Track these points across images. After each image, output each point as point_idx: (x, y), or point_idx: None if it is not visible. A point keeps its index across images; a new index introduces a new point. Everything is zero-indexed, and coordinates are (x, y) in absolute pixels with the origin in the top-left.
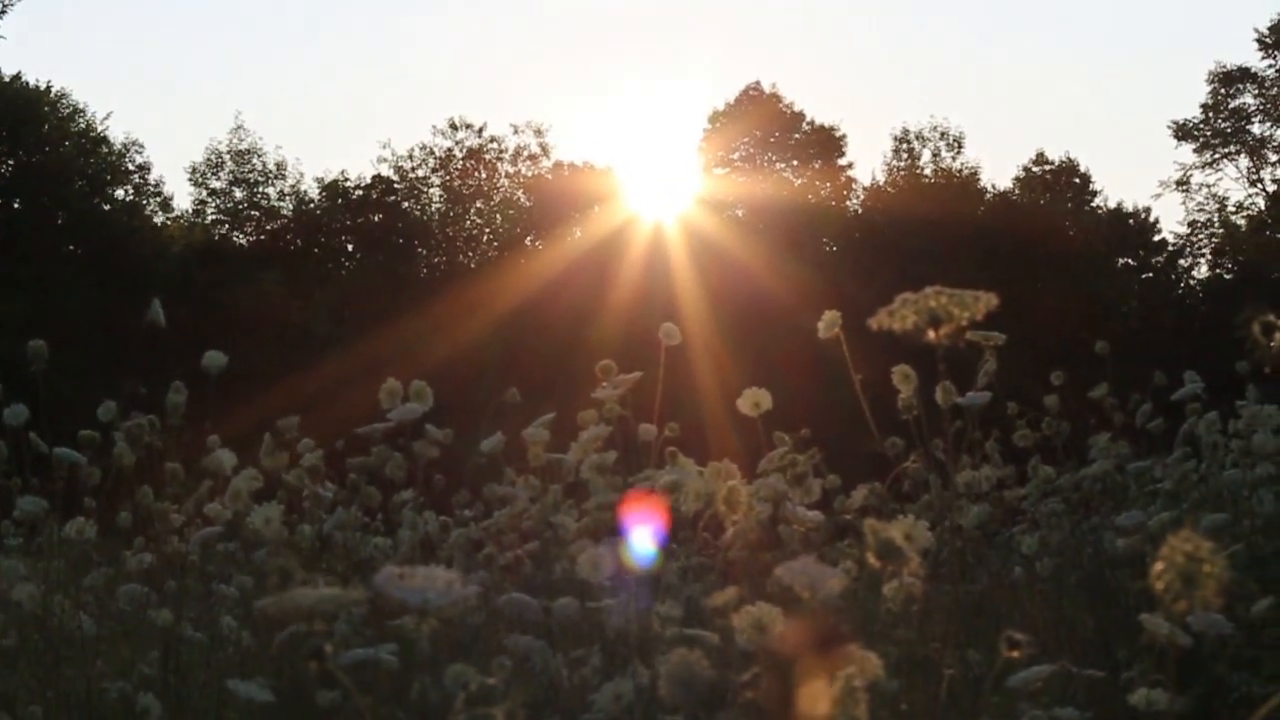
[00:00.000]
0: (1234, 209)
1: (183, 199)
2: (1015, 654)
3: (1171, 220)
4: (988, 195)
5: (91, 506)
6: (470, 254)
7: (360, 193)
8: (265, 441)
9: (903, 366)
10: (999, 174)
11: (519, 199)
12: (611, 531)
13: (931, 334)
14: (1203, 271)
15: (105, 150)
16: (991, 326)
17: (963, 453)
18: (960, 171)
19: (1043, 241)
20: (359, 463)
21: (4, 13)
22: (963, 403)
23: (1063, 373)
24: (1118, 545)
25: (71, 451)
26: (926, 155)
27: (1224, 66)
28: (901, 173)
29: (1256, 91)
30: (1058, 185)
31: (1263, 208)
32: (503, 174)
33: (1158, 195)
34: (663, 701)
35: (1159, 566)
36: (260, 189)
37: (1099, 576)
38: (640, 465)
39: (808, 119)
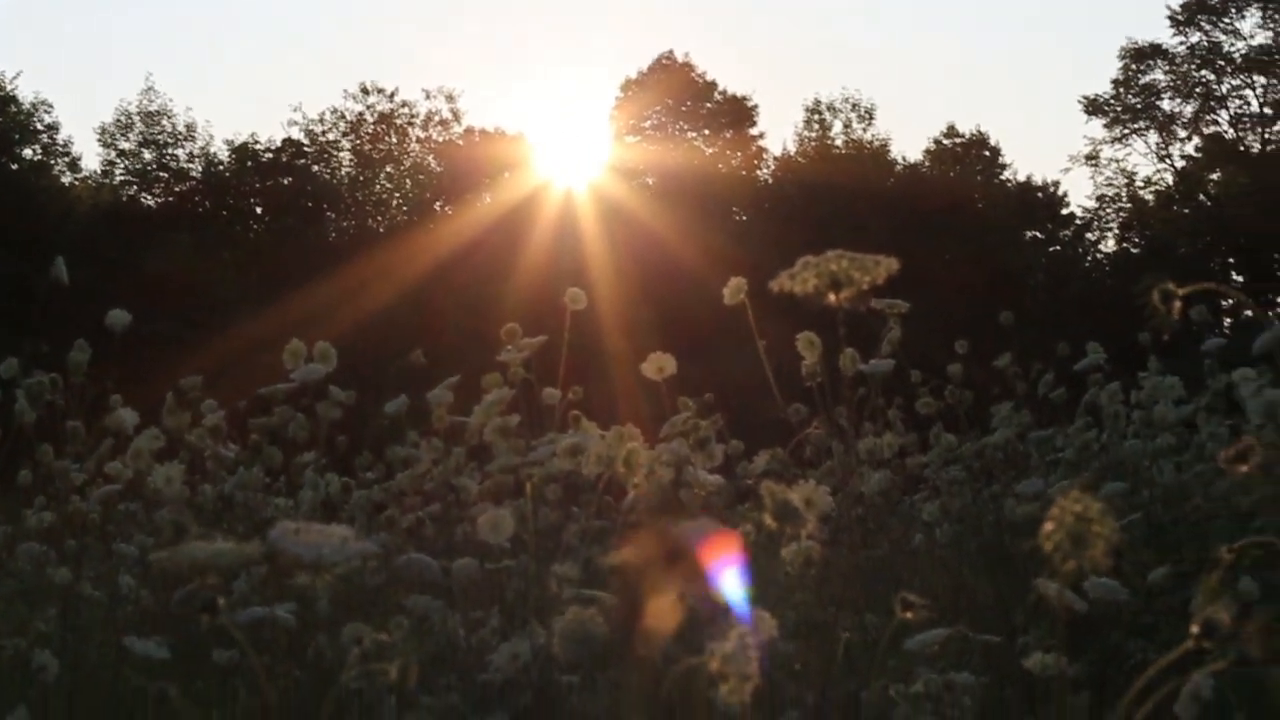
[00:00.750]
0: (1142, 184)
1: (91, 160)
2: (909, 615)
3: (1080, 194)
4: (898, 167)
5: None
6: (380, 219)
7: (270, 156)
8: (167, 400)
9: (807, 334)
10: (910, 146)
11: (430, 164)
12: (513, 495)
13: (832, 297)
14: (1110, 246)
15: (13, 109)
16: (900, 296)
17: (866, 420)
18: (871, 143)
19: (952, 213)
20: (261, 423)
21: None
22: (866, 370)
23: (969, 342)
24: (1017, 513)
25: None
26: (838, 126)
27: (1135, 42)
28: (813, 143)
29: (1167, 68)
30: (968, 158)
31: (1170, 183)
32: (414, 139)
33: (1067, 169)
34: (558, 659)
35: (1049, 526)
36: (169, 150)
37: (998, 544)
38: (544, 429)
39: (720, 88)
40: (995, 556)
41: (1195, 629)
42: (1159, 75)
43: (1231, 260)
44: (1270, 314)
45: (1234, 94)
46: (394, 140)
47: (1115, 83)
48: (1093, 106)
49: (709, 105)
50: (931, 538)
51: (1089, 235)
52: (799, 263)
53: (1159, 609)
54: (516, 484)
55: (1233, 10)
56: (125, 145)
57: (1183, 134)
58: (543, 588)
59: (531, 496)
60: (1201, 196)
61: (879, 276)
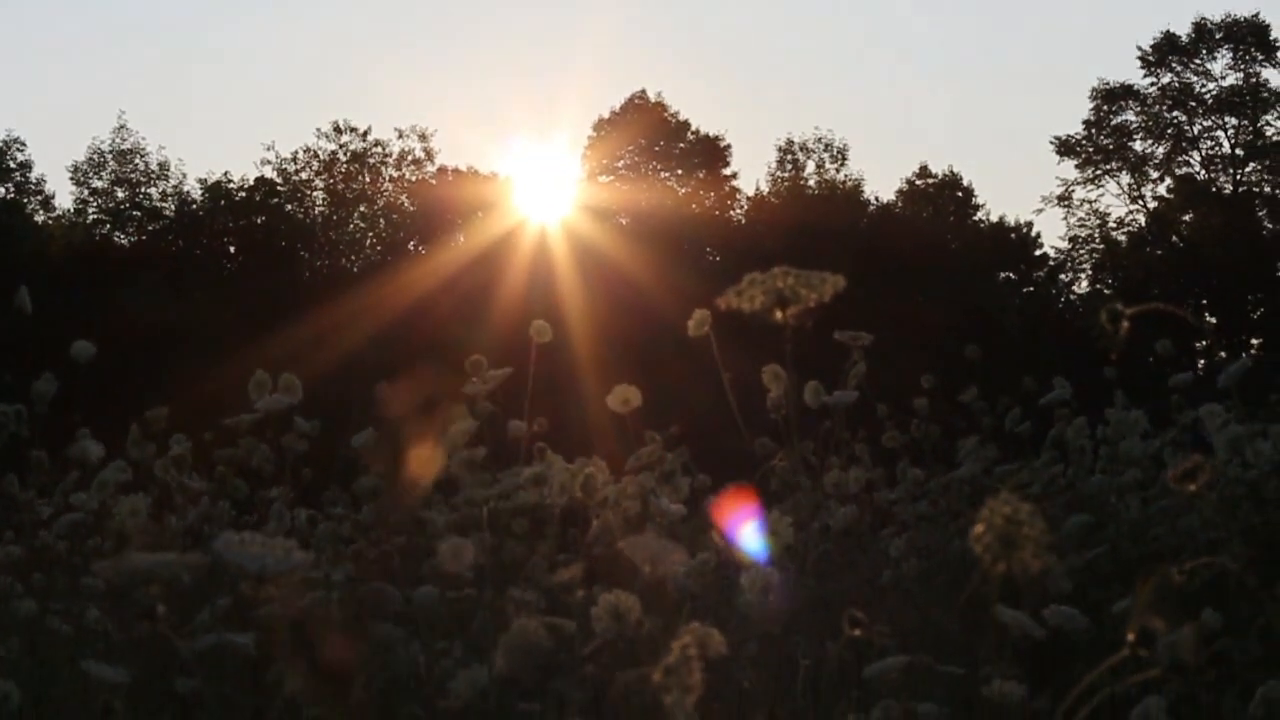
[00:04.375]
0: (1115, 225)
1: (64, 198)
2: (858, 633)
3: (1053, 235)
4: (871, 207)
5: None
6: (353, 258)
7: (243, 194)
8: (132, 432)
9: (773, 366)
10: (882, 186)
11: (403, 203)
12: (478, 526)
13: (779, 314)
14: (1083, 287)
15: None
16: (874, 335)
17: (831, 453)
18: (844, 183)
19: (925, 254)
20: (227, 454)
21: None
22: (829, 401)
23: (942, 381)
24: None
25: None
26: (811, 166)
27: (1107, 83)
28: (785, 183)
29: (1139, 109)
30: (940, 198)
31: (1143, 224)
32: (387, 178)
33: (1039, 210)
34: (502, 672)
35: (978, 529)
36: (143, 189)
37: (964, 578)
38: (510, 461)
39: (692, 128)
40: (961, 590)
41: (1131, 637)
42: (1130, 116)
43: (1205, 301)
44: (1244, 353)
45: (1206, 135)
46: (367, 179)
47: (1087, 123)
48: (1064, 147)
49: (682, 145)
50: (899, 572)
51: (1062, 276)
52: (745, 279)
53: (1122, 640)
54: (487, 517)
55: (1204, 51)
56: (98, 184)
57: (1155, 175)
58: (500, 615)
59: (492, 526)
60: (1174, 238)
61: (825, 294)
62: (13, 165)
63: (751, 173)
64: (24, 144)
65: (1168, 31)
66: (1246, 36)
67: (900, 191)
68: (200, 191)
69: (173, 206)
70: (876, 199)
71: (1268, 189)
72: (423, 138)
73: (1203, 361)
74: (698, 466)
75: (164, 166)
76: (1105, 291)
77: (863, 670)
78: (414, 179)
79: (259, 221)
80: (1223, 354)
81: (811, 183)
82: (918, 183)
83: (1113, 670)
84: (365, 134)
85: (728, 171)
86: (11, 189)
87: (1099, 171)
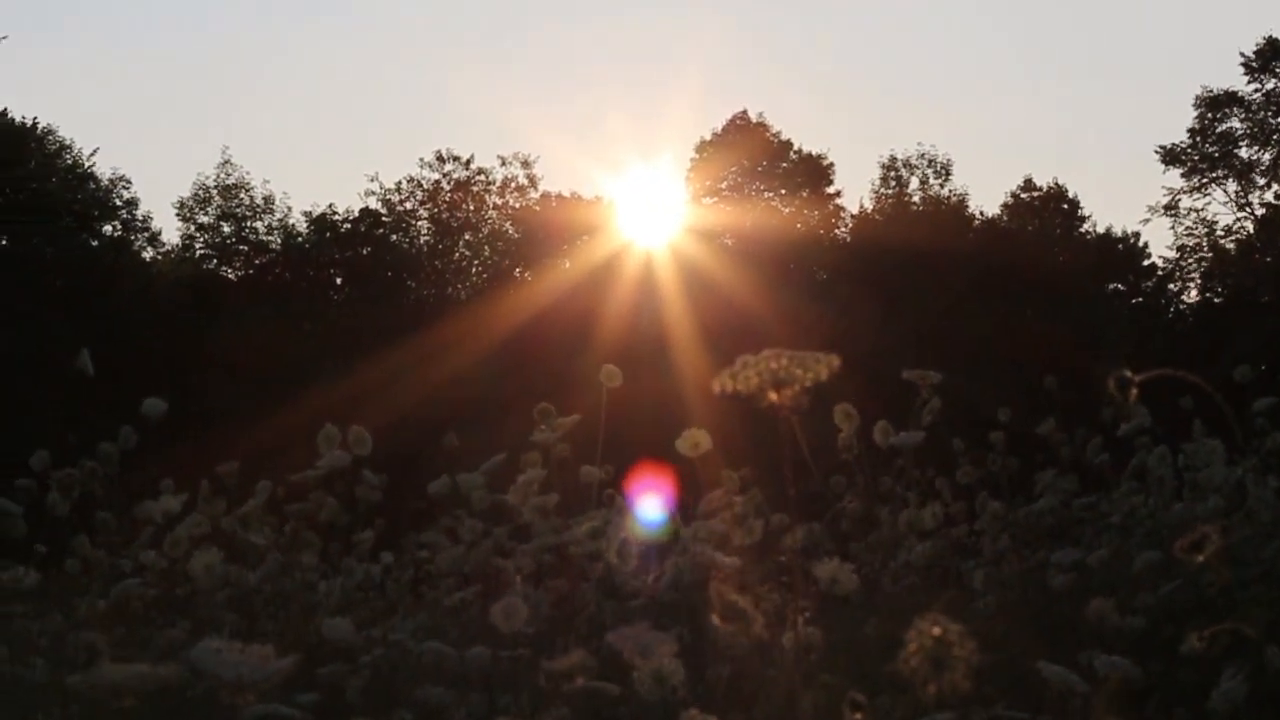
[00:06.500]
0: (1223, 233)
1: (171, 234)
2: (859, 717)
3: (1160, 245)
4: (976, 222)
5: (41, 552)
6: (459, 286)
7: (348, 226)
8: (203, 488)
9: (844, 405)
10: (987, 201)
11: (507, 230)
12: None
13: (774, 395)
14: (1193, 296)
15: (92, 186)
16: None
17: (907, 490)
18: (948, 198)
19: (1031, 267)
20: (298, 509)
21: None
22: (895, 442)
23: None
24: (1054, 583)
25: (6, 501)
26: (915, 183)
27: (1210, 91)
28: (890, 200)
29: (1243, 115)
30: (1046, 211)
31: (1251, 231)
32: (490, 205)
33: (1146, 220)
34: None
35: (911, 648)
36: (248, 223)
37: (1046, 613)
38: (584, 506)
39: (795, 147)
40: (1041, 627)
41: None
42: (1235, 123)
43: None
44: None
45: None
46: (471, 207)
47: (1191, 131)
48: (1170, 156)
49: (785, 164)
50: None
51: (1171, 286)
52: (739, 361)
53: (1190, 680)
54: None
55: None
56: (204, 219)
57: (1261, 181)
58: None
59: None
60: None
61: (821, 374)
62: (119, 203)
63: (855, 191)
64: (130, 182)
65: (1270, 37)
66: None
67: (1005, 205)
68: (305, 224)
69: (278, 239)
70: (982, 213)
71: None
72: (525, 164)
73: None
74: (775, 504)
75: (269, 200)
76: (1215, 300)
77: None
78: (518, 205)
79: (365, 252)
80: None
81: (916, 199)
82: (1023, 196)
83: None
84: (468, 162)
85: (831, 190)
86: (119, 227)
87: (1205, 179)
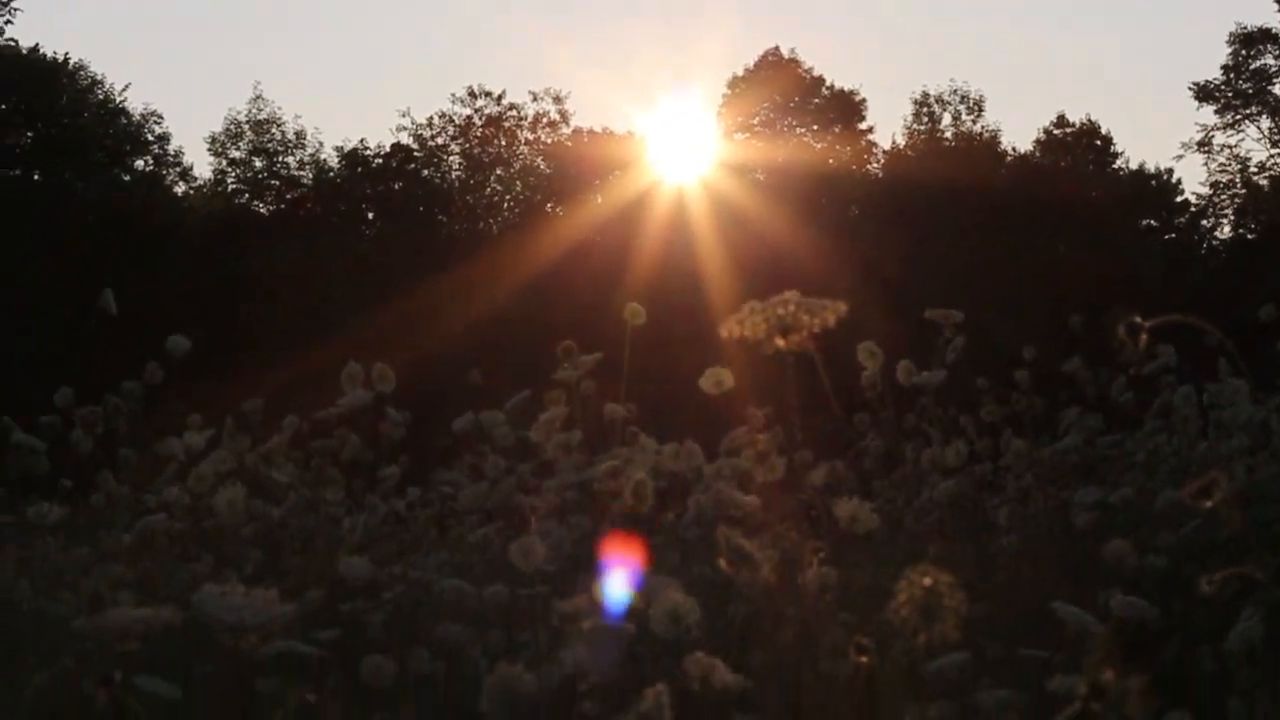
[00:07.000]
0: (1256, 170)
1: (202, 169)
2: (864, 660)
3: (1194, 181)
4: (1008, 158)
5: (67, 487)
6: (491, 221)
7: (380, 161)
8: (227, 425)
9: (868, 344)
10: (1020, 137)
11: (539, 166)
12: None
13: (780, 341)
14: (1225, 232)
15: (124, 121)
16: (1013, 288)
17: (931, 428)
18: (981, 135)
19: (1064, 204)
20: (321, 446)
21: None
22: (918, 381)
23: (1082, 333)
24: (1077, 521)
25: (31, 439)
26: (947, 119)
27: (1244, 27)
28: (922, 136)
29: (1277, 52)
30: (1079, 147)
31: None
32: (522, 141)
33: (1179, 157)
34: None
35: (901, 598)
36: (280, 158)
37: (1069, 553)
38: (607, 445)
39: (827, 83)
40: (1066, 565)
41: (1083, 689)
42: (1269, 60)
43: None
44: None
45: None
46: (503, 143)
47: (1225, 68)
48: (1203, 93)
49: (817, 100)
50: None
51: (1204, 222)
52: (745, 307)
53: (1204, 624)
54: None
55: None
56: (236, 154)
57: None
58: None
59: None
60: None
61: (828, 320)
62: (151, 138)
63: (887, 127)
64: (161, 117)
65: None
66: None
67: (1038, 142)
68: (337, 159)
69: (310, 175)
70: (1014, 150)
71: None
72: (557, 100)
73: None
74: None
75: (300, 135)
76: (1248, 236)
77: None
78: (549, 141)
79: (396, 187)
80: None
81: (948, 135)
82: (1055, 132)
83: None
84: (500, 98)
85: (863, 126)
86: (150, 162)
87: (1239, 116)
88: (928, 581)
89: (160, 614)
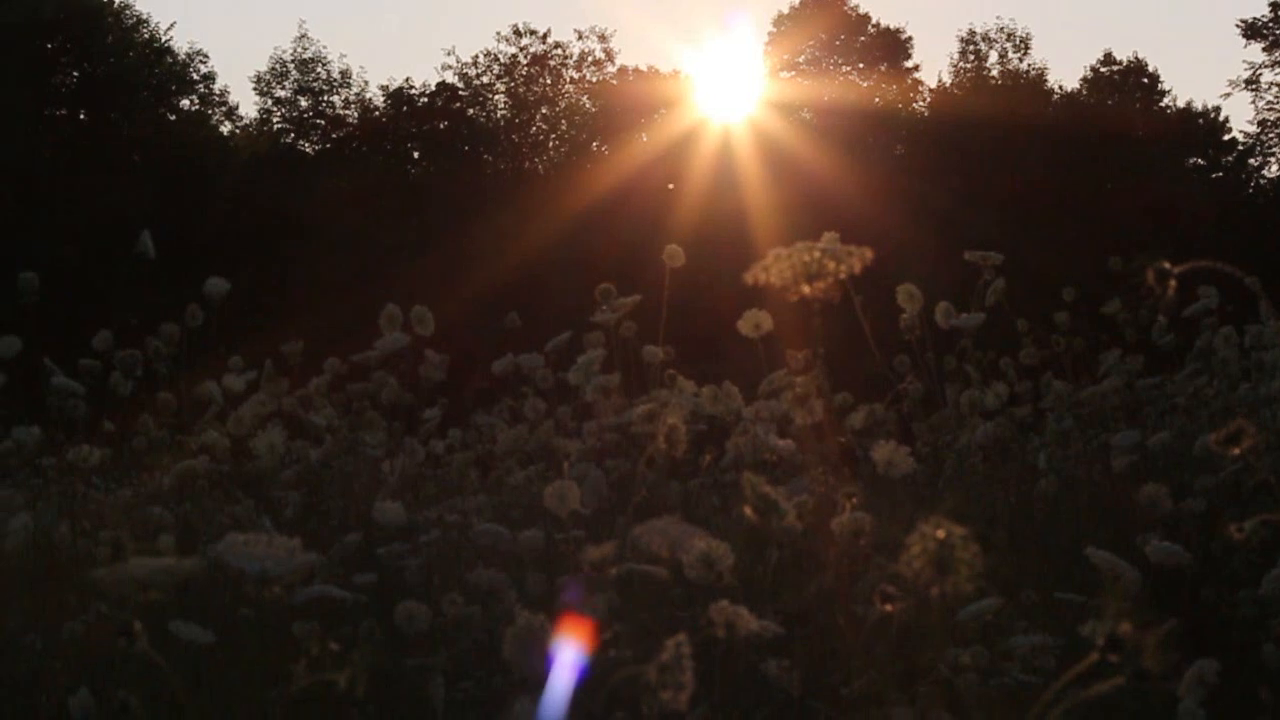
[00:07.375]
0: None
1: (248, 108)
2: (889, 608)
3: (1241, 119)
4: (1055, 96)
5: (109, 429)
6: (537, 160)
7: (425, 100)
8: (265, 368)
9: (907, 285)
10: (1066, 75)
11: (584, 105)
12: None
13: (806, 288)
14: (1273, 170)
15: (170, 61)
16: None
17: (971, 370)
18: (1027, 73)
19: (1111, 142)
20: (359, 389)
21: None
22: (957, 324)
23: (1126, 273)
24: (1114, 465)
25: (71, 382)
26: (993, 57)
27: None
28: (968, 74)
29: None
30: (1125, 85)
31: None
32: (567, 80)
33: (1227, 94)
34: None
35: (913, 550)
36: (325, 97)
37: (1107, 495)
38: (646, 386)
39: (873, 21)
40: (1101, 510)
41: (1100, 642)
42: None
43: None
44: None
45: None
46: (548, 81)
47: (1273, 5)
48: (1251, 30)
49: (863, 39)
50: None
51: (1251, 160)
52: (770, 254)
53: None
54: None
55: None
56: (281, 93)
57: None
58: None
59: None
60: None
61: (855, 266)
62: (196, 78)
63: (933, 65)
64: (207, 56)
65: None
66: None
67: (1085, 80)
68: (382, 98)
69: (355, 114)
70: (1061, 88)
71: None
72: (602, 38)
73: None
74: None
75: (345, 74)
76: None
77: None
78: (595, 80)
79: (442, 126)
80: None
81: (995, 73)
82: (1102, 70)
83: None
84: (545, 36)
85: (910, 64)
86: (196, 101)
87: None
88: (941, 534)
89: (182, 564)
